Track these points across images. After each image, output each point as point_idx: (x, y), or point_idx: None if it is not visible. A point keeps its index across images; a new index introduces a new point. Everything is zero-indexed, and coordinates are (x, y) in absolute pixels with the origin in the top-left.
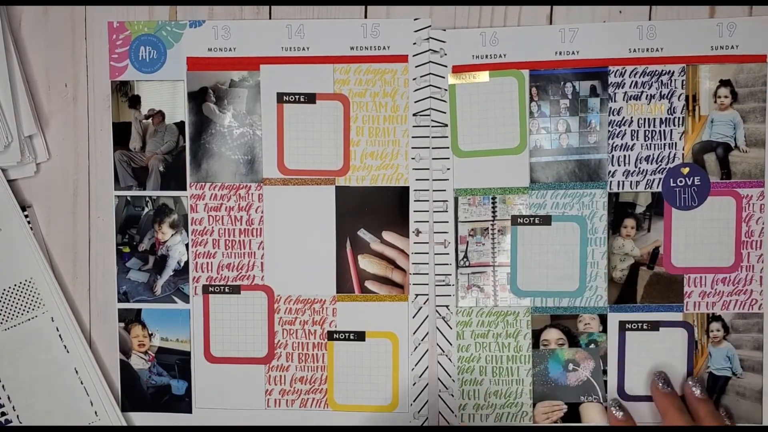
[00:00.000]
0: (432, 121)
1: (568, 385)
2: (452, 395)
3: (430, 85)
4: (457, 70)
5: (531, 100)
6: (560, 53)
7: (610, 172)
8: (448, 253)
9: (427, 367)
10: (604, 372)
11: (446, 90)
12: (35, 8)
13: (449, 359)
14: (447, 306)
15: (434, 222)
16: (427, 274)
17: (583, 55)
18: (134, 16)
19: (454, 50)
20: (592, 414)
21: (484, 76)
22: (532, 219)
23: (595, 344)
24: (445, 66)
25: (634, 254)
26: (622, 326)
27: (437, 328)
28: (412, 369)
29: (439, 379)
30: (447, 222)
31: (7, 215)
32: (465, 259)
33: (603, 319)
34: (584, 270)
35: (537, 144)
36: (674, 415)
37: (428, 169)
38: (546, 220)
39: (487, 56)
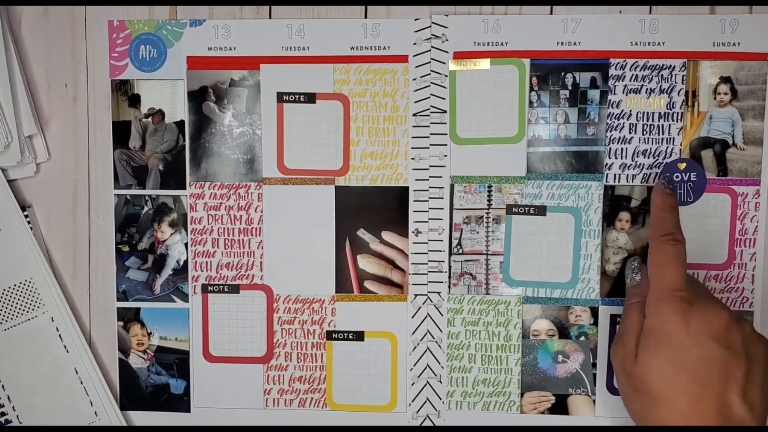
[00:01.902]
0: (431, 107)
1: (556, 376)
2: (440, 382)
3: (432, 71)
4: (459, 56)
5: (531, 89)
6: (562, 43)
7: (606, 164)
8: (441, 240)
9: (426, 367)
10: (594, 365)
11: (446, 76)
12: (35, 8)
13: (439, 346)
14: (439, 293)
15: (429, 208)
16: (426, 274)
17: (584, 46)
18: (134, 16)
19: (455, 36)
20: (580, 406)
21: (485, 64)
22: (527, 209)
23: (585, 337)
24: (447, 52)
25: (627, 248)
26: (613, 320)
27: (428, 314)
28: (411, 369)
29: (427, 365)
30: (442, 209)
31: (7, 215)
32: (458, 247)
33: (594, 312)
34: (577, 262)
35: (535, 134)
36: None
37: (428, 169)
38: (541, 211)
39: (488, 43)
